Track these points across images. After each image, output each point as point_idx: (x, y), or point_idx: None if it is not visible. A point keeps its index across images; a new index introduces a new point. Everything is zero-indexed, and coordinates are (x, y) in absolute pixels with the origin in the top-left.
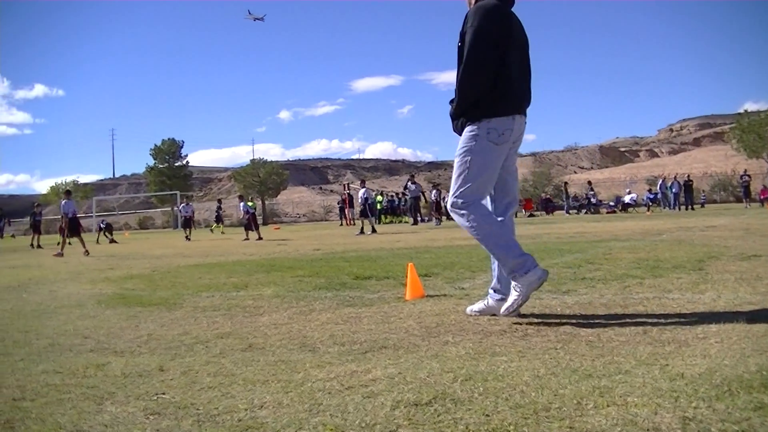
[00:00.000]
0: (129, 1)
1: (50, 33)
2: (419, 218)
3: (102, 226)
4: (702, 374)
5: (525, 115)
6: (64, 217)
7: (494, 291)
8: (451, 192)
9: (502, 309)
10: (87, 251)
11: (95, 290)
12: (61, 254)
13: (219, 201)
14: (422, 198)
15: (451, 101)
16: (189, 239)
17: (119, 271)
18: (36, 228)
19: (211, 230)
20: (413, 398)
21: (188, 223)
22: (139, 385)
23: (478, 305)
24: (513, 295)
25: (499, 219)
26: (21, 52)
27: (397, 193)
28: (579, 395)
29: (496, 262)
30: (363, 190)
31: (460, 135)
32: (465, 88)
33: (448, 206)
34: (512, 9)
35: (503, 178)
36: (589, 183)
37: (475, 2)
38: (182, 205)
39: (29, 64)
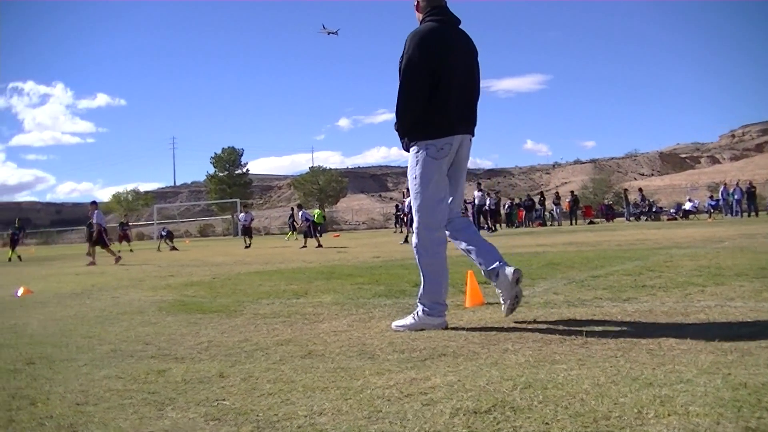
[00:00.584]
0: (188, 11)
1: (112, 44)
2: (482, 226)
3: (163, 233)
4: (765, 384)
5: (469, 134)
6: (98, 227)
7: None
8: (414, 210)
9: (396, 324)
10: (94, 262)
11: (156, 297)
12: (119, 257)
13: (292, 209)
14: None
15: (396, 124)
16: (248, 247)
17: (180, 279)
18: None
19: (287, 238)
20: (472, 406)
21: (248, 231)
22: (200, 391)
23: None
24: (409, 319)
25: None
26: (84, 63)
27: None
28: (639, 404)
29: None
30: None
31: (408, 152)
32: (400, 114)
33: (414, 223)
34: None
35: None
36: (640, 190)
37: (421, 20)
38: (242, 213)
39: (92, 74)
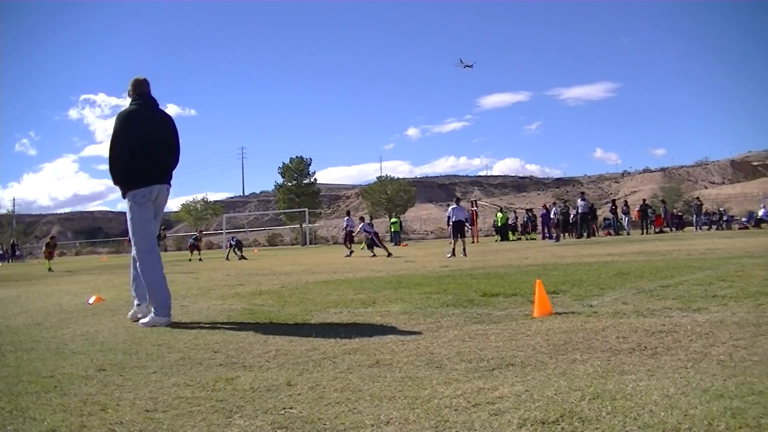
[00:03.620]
0: (257, 23)
1: (182, 55)
2: (584, 234)
3: (232, 242)
4: None
5: (165, 183)
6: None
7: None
8: (133, 242)
9: (141, 321)
10: None
11: (225, 306)
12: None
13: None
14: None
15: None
16: (350, 255)
17: (249, 287)
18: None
19: (362, 248)
20: (540, 416)
21: (351, 237)
22: (268, 400)
23: (131, 312)
24: (151, 316)
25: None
26: (154, 74)
27: (528, 210)
28: (710, 416)
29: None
30: (450, 209)
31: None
32: (110, 173)
33: (133, 251)
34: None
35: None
36: (698, 199)
37: (129, 104)
38: (345, 218)
39: (162, 85)
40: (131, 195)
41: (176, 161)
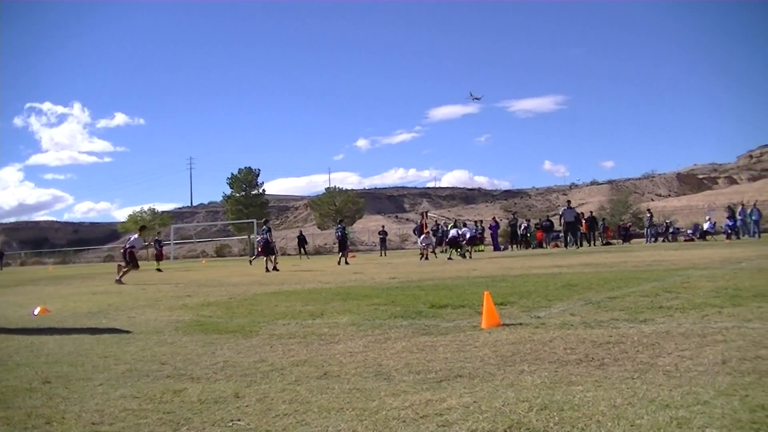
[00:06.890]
0: (206, 30)
1: (130, 64)
2: (571, 242)
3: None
4: None
5: None
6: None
7: None
8: None
9: None
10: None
11: (173, 317)
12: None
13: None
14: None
15: None
16: (347, 263)
17: (197, 299)
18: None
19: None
20: (488, 427)
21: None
22: (215, 412)
23: None
24: None
25: None
26: (101, 83)
27: (476, 222)
28: (656, 426)
29: None
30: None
31: None
32: None
33: None
34: None
35: None
36: (649, 211)
37: None
38: (337, 227)
39: (110, 94)
40: None
41: None
